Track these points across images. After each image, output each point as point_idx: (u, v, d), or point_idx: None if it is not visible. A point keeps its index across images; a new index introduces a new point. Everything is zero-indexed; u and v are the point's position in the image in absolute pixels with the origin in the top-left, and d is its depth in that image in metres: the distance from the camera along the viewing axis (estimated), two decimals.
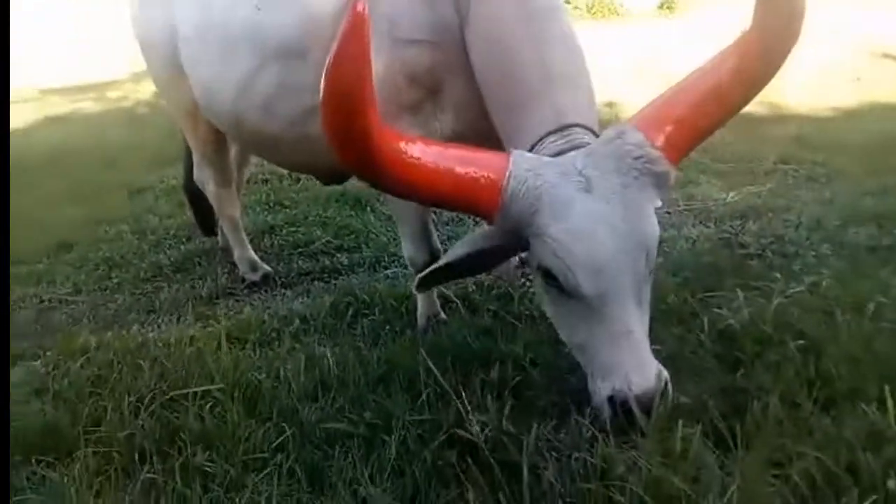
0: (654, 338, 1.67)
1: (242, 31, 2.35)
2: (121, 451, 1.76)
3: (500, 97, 1.90)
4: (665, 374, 1.59)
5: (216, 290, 3.09)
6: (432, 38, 1.96)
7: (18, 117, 7.47)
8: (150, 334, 2.51)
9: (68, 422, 1.92)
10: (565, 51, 1.91)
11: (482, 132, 1.90)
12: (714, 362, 1.89)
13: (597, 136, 1.77)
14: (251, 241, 3.62)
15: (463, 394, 1.73)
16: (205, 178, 3.14)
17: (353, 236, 3.45)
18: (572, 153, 1.66)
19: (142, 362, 2.20)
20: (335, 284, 3.02)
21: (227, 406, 1.89)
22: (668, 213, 3.58)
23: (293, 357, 2.21)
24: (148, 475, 1.65)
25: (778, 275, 2.33)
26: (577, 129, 1.76)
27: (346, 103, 1.42)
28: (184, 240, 3.64)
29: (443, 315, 2.55)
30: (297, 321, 2.58)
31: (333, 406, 1.89)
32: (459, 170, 1.57)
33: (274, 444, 1.72)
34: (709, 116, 1.67)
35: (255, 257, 3.25)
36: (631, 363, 1.54)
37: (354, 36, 1.33)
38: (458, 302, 2.67)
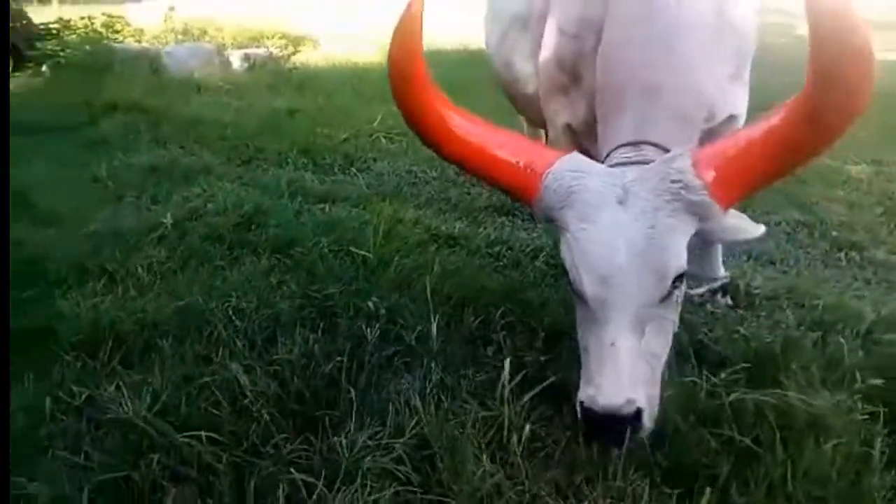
0: None
1: (500, 4, 2.89)
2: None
3: (601, 97, 2.03)
4: (643, 406, 1.53)
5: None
6: (578, 32, 2.17)
7: None
8: None
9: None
10: (677, 60, 1.92)
11: None
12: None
13: None
14: None
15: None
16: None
17: None
18: (628, 167, 1.76)
19: None
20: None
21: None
22: None
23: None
24: None
25: None
26: (650, 147, 1.82)
27: (398, 74, 1.72)
28: None
29: None
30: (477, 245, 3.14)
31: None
32: (506, 155, 1.75)
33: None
34: (758, 168, 1.58)
35: None
36: (606, 378, 1.53)
37: (407, 21, 1.68)
38: None
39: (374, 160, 4.65)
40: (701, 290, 2.70)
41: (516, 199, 1.83)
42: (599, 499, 1.54)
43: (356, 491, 1.43)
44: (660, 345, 1.63)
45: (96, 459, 1.56)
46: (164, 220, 3.22)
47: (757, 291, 2.82)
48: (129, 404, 1.67)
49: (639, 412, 1.52)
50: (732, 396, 1.83)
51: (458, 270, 2.68)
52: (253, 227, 3.21)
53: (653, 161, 1.71)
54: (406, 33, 1.69)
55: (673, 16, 1.91)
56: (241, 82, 6.83)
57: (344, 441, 1.57)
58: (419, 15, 1.67)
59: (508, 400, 1.78)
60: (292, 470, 1.47)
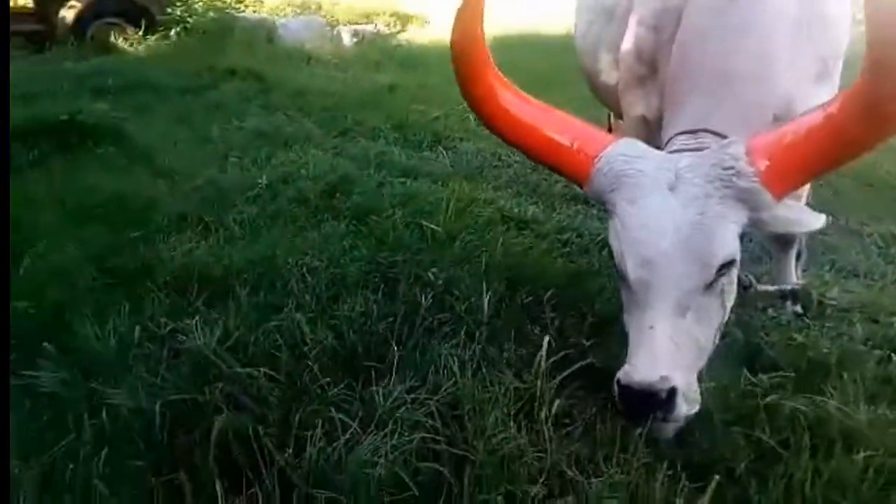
0: None
1: None
2: None
3: (670, 86, 2.06)
4: (678, 385, 1.55)
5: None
6: (657, 23, 2.20)
7: None
8: None
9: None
10: (751, 48, 1.92)
11: None
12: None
13: None
14: None
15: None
16: None
17: None
18: (683, 153, 1.80)
19: None
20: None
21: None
22: None
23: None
24: None
25: None
26: (710, 135, 1.84)
27: (458, 56, 1.85)
28: None
29: None
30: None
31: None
32: (560, 137, 1.82)
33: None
34: (813, 158, 1.59)
35: None
36: (643, 357, 1.57)
37: (469, 5, 1.83)
38: None
39: (461, 140, 4.78)
40: (770, 288, 2.63)
41: (570, 180, 1.89)
42: (616, 474, 1.60)
43: (385, 435, 1.58)
44: (703, 333, 1.63)
45: (170, 382, 1.79)
46: (260, 181, 3.50)
47: (832, 302, 2.73)
48: (202, 338, 1.89)
49: (673, 391, 1.54)
50: (768, 399, 1.84)
51: (524, 251, 2.77)
52: (337, 194, 3.42)
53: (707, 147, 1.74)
54: (467, 18, 1.81)
55: (752, 6, 1.90)
56: (348, 57, 7.13)
57: (381, 391, 1.72)
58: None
59: (544, 375, 1.86)
60: (332, 409, 1.64)
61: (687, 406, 1.60)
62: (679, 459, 1.67)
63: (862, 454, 1.64)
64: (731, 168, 1.58)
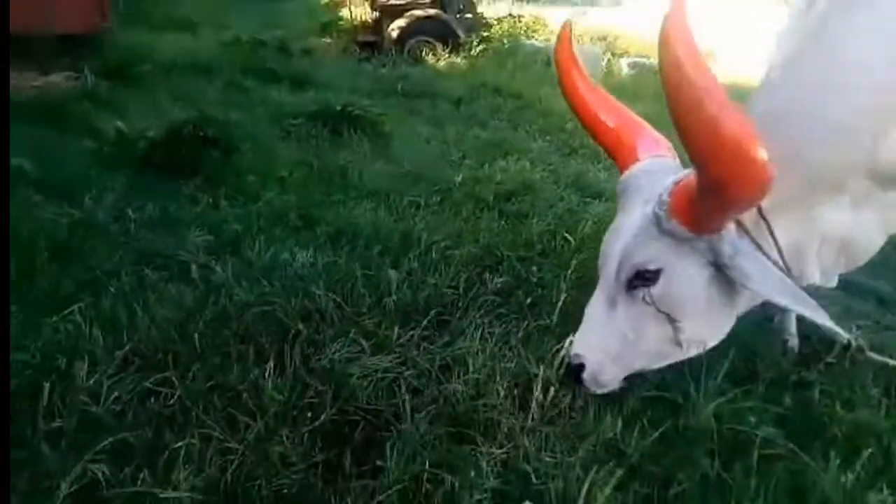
0: None
1: None
2: None
3: None
4: (586, 363, 1.88)
5: None
6: None
7: None
8: None
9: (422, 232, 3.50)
10: None
11: None
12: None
13: None
14: None
15: None
16: None
17: None
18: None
19: None
20: None
21: None
22: None
23: None
24: None
25: None
26: None
27: (559, 66, 2.28)
28: None
29: None
30: None
31: None
32: (619, 128, 2.12)
33: None
34: (691, 198, 1.70)
35: None
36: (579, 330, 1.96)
37: (562, 39, 2.29)
38: None
39: None
40: (882, 358, 2.34)
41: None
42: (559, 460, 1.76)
43: (381, 360, 1.97)
44: (633, 332, 1.87)
45: (275, 288, 2.39)
46: (457, 178, 4.05)
47: None
48: (310, 267, 2.48)
49: (580, 367, 1.88)
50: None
51: None
52: (512, 198, 3.81)
53: None
54: (562, 44, 2.27)
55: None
56: (614, 86, 7.37)
57: (398, 330, 2.12)
58: (568, 35, 2.28)
59: (557, 365, 2.05)
60: (353, 332, 2.08)
61: (595, 386, 1.91)
62: (628, 464, 1.75)
63: None
64: (660, 195, 1.77)
